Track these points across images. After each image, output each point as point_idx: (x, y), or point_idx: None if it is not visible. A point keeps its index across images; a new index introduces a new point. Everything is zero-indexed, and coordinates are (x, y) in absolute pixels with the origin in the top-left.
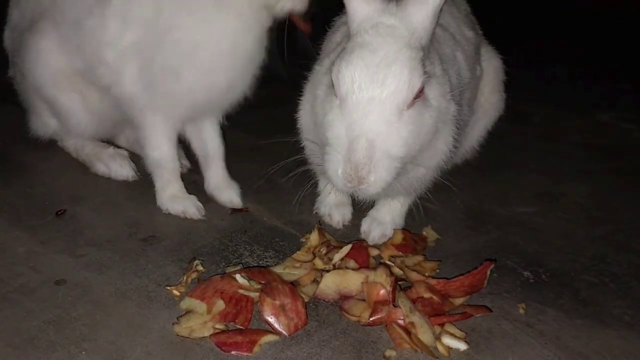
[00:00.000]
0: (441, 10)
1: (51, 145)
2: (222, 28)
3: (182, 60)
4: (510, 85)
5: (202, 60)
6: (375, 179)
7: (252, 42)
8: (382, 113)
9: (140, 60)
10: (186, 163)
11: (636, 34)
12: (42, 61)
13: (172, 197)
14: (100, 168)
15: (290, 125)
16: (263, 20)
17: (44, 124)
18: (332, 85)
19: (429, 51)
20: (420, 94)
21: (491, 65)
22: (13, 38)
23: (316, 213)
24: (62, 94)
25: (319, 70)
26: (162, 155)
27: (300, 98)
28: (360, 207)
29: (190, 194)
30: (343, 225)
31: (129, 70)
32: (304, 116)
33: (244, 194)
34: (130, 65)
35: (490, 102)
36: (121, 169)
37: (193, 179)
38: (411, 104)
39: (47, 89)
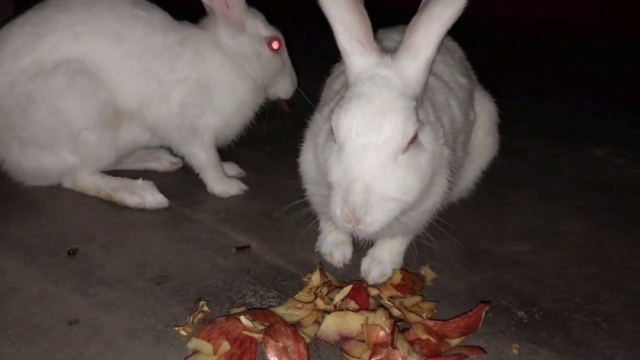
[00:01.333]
0: (434, 60)
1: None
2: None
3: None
4: (507, 120)
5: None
6: (372, 220)
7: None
8: (378, 158)
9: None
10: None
11: (624, 64)
12: (85, 99)
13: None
14: (134, 200)
15: (290, 161)
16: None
17: (61, 161)
18: (331, 132)
19: (423, 100)
20: (414, 140)
21: (484, 109)
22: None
23: (317, 251)
24: (97, 129)
25: (319, 118)
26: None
27: (301, 144)
28: (361, 246)
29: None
30: (344, 264)
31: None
32: (306, 162)
33: (247, 232)
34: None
35: (484, 144)
36: (154, 198)
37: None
38: (406, 149)
39: (81, 125)
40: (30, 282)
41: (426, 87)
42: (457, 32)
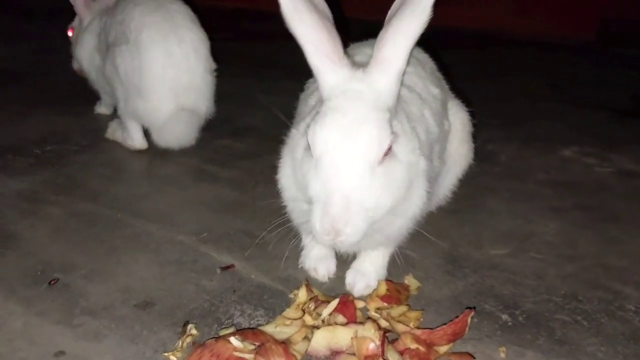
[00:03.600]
0: (406, 72)
1: (37, 212)
2: None
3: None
4: (477, 126)
5: None
6: (352, 231)
7: None
8: (356, 169)
9: None
10: None
11: (589, 65)
12: None
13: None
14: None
15: (268, 178)
16: None
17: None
18: (308, 147)
19: (397, 111)
20: (389, 151)
21: (458, 119)
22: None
23: (302, 267)
24: None
25: (296, 134)
26: None
27: (279, 161)
28: (344, 260)
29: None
30: (328, 278)
31: None
32: (284, 177)
33: (230, 251)
34: None
35: (459, 152)
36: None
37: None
38: (381, 161)
39: None
40: (12, 316)
41: (400, 99)
42: (422, 40)
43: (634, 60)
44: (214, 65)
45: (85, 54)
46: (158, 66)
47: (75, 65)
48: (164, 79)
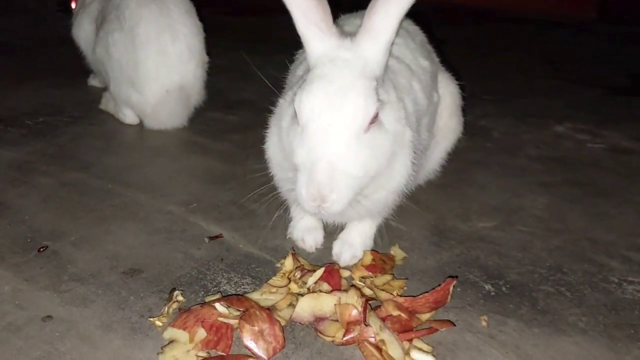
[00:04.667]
0: (396, 43)
1: (28, 181)
2: None
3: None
4: (471, 101)
5: None
6: (337, 197)
7: None
8: (341, 137)
9: None
10: None
11: (586, 43)
12: None
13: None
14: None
15: (259, 151)
16: None
17: None
18: (295, 116)
19: (384, 81)
20: (375, 119)
21: (448, 91)
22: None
23: (289, 238)
24: None
25: (283, 103)
26: None
27: (266, 130)
28: (332, 231)
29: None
30: (315, 249)
31: None
32: (271, 147)
33: (218, 221)
34: None
35: (448, 126)
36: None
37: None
38: (367, 129)
39: None
40: (1, 281)
41: (388, 69)
42: (419, 15)
43: (633, 38)
44: (206, 59)
45: (82, 35)
46: (151, 64)
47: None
48: (157, 77)
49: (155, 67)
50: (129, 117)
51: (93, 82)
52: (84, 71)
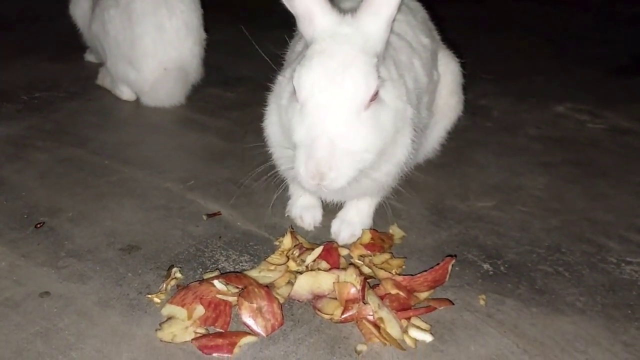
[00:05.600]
0: (397, 19)
1: (25, 157)
2: None
3: None
4: (471, 80)
5: None
6: (337, 175)
7: None
8: (341, 114)
9: None
10: None
11: (585, 23)
12: None
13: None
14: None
15: (258, 128)
16: None
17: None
18: (294, 93)
19: (385, 57)
20: (375, 96)
21: (448, 69)
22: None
23: (288, 216)
24: None
25: (282, 80)
26: None
27: (265, 108)
28: (331, 209)
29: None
30: (314, 227)
31: None
32: (270, 125)
33: (216, 199)
34: None
35: (448, 104)
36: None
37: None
38: (368, 105)
39: None
40: None
41: (389, 46)
42: None
43: (635, 18)
44: (203, 36)
45: (79, 12)
46: (149, 40)
47: None
48: (154, 54)
49: (153, 43)
50: (125, 93)
51: (89, 57)
52: (80, 46)
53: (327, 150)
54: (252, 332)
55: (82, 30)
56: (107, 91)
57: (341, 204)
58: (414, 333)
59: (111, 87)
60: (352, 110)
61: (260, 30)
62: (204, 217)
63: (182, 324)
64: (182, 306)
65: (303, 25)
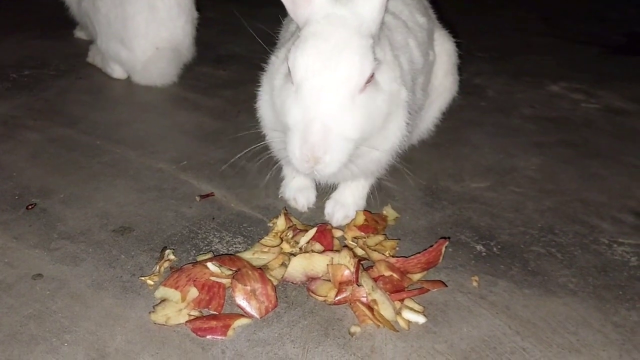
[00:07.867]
0: None
1: (15, 136)
2: None
3: None
4: (466, 59)
5: None
6: (331, 159)
7: None
8: (336, 97)
9: None
10: None
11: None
12: None
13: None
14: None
15: (251, 107)
16: None
17: None
18: (289, 74)
19: (380, 38)
20: (371, 79)
21: (444, 49)
22: None
23: (281, 197)
24: None
25: (276, 61)
26: None
27: (258, 88)
28: (324, 190)
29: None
30: (308, 208)
31: None
32: (263, 106)
33: (210, 179)
34: None
35: (444, 85)
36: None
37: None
38: (363, 89)
39: None
40: None
41: (384, 26)
42: None
43: None
44: (195, 14)
45: None
46: (141, 19)
47: None
48: (146, 33)
49: (145, 23)
50: (117, 71)
51: (79, 34)
52: (69, 23)
53: (321, 135)
54: (246, 315)
55: (72, 7)
56: (97, 69)
57: (335, 185)
58: (407, 315)
59: (102, 65)
60: (347, 94)
61: (253, 8)
62: (197, 198)
63: (175, 307)
64: (176, 288)
65: (297, 6)
